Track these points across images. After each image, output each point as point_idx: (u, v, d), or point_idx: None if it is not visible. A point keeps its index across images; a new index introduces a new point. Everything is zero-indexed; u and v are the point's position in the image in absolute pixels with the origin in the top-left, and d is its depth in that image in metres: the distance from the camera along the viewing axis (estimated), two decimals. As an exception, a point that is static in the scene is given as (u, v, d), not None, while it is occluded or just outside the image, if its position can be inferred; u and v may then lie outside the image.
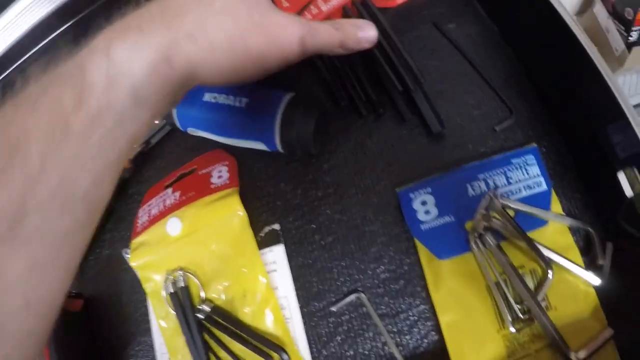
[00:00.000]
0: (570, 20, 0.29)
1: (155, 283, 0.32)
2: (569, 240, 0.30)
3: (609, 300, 0.29)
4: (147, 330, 0.34)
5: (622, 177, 0.29)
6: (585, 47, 0.28)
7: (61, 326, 0.33)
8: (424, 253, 0.30)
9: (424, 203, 0.30)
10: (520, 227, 0.29)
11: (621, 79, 0.54)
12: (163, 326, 0.32)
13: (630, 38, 0.40)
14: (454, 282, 0.29)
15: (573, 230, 0.31)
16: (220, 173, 0.33)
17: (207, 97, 0.32)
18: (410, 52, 0.32)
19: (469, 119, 0.33)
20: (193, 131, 0.34)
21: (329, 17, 0.34)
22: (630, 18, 0.38)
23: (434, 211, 0.29)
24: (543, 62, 0.32)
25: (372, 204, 0.32)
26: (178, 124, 0.34)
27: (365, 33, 0.27)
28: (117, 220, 0.37)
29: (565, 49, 0.30)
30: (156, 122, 0.36)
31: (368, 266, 0.31)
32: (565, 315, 0.29)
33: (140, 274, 0.33)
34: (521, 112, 0.33)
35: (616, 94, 0.28)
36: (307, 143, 0.31)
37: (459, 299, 0.28)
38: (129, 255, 0.33)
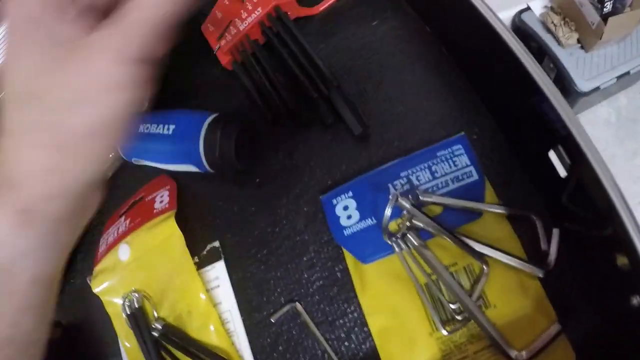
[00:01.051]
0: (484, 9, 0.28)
1: (116, 306, 0.35)
2: (507, 230, 0.28)
3: (559, 291, 0.27)
4: (117, 351, 0.36)
5: (553, 157, 0.27)
6: (499, 30, 0.27)
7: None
8: (350, 258, 0.29)
9: (345, 208, 0.29)
10: (443, 223, 0.27)
11: (602, 51, 0.49)
12: (127, 346, 0.35)
13: (604, 9, 0.37)
14: (380, 286, 0.28)
15: (515, 220, 0.29)
16: (162, 198, 0.35)
17: (140, 127, 0.34)
18: (332, 55, 0.32)
19: (394, 115, 0.32)
20: (137, 161, 0.36)
21: (247, 35, 0.35)
22: (602, -11, 0.36)
23: (356, 215, 0.29)
24: (467, 49, 0.31)
25: (302, 213, 0.32)
26: (122, 155, 0.36)
27: None
28: (85, 250, 0.39)
29: (484, 35, 0.28)
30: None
31: (302, 275, 0.31)
32: (507, 312, 0.27)
33: (102, 299, 0.35)
34: (450, 101, 0.31)
35: (531, 71, 0.26)
36: (231, 160, 0.31)
37: (387, 302, 0.28)
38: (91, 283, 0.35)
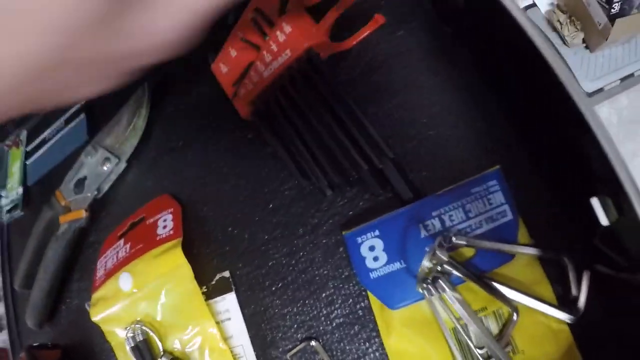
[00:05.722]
0: (518, 15, 0.25)
1: (118, 337, 0.32)
2: (538, 273, 0.27)
3: (588, 335, 0.27)
4: (121, 379, 0.34)
5: (595, 204, 0.25)
6: (537, 44, 0.24)
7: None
8: (375, 301, 0.28)
9: (372, 248, 0.27)
10: (476, 267, 0.26)
11: (607, 52, 0.48)
12: (131, 378, 0.33)
13: (612, 10, 0.36)
14: (407, 331, 0.27)
15: (545, 259, 0.28)
16: (165, 222, 0.32)
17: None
18: (351, 68, 0.28)
19: (423, 141, 0.30)
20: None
21: (271, 81, 0.30)
22: (611, -11, 0.34)
23: (383, 257, 0.27)
24: (501, 66, 0.28)
25: (321, 245, 0.30)
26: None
27: None
28: (81, 269, 0.37)
29: (517, 47, 0.25)
30: (104, 168, 0.35)
31: (321, 311, 0.29)
32: (534, 358, 0.26)
33: (103, 328, 0.33)
34: (483, 129, 0.29)
35: (579, 104, 0.24)
36: None
37: (414, 348, 0.27)
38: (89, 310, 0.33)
